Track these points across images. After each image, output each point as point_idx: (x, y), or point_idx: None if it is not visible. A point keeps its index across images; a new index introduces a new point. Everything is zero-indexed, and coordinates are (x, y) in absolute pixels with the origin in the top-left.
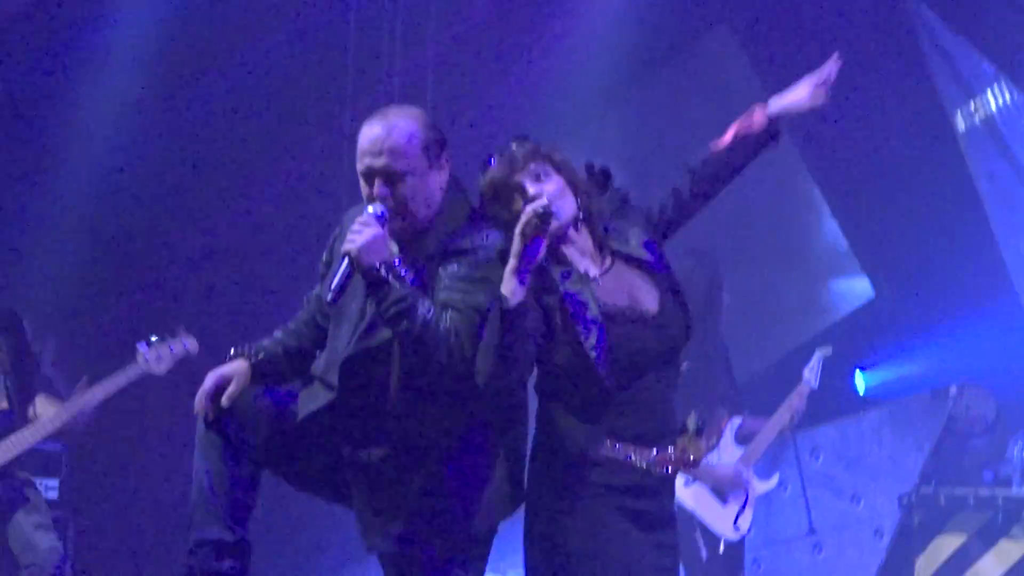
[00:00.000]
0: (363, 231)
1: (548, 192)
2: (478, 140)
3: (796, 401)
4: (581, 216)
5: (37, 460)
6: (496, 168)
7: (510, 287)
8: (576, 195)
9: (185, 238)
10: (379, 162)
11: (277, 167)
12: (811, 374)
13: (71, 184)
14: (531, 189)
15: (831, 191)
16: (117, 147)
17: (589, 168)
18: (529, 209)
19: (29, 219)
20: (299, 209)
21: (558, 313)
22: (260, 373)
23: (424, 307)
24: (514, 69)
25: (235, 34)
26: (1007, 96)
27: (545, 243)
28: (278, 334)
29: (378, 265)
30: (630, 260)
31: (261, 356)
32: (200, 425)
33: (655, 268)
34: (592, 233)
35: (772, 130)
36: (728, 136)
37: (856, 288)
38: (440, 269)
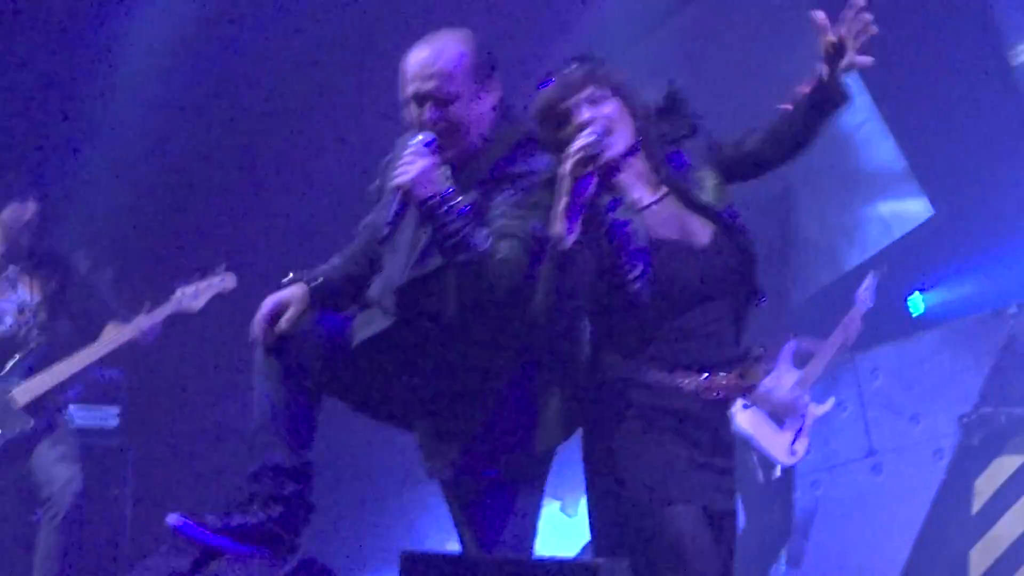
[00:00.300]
0: (414, 162)
1: (603, 116)
2: (524, 65)
3: (851, 323)
4: (637, 143)
5: (98, 388)
6: (550, 90)
7: (560, 228)
8: (634, 120)
9: (236, 168)
10: (428, 86)
11: (325, 100)
12: (866, 295)
13: (123, 120)
14: (585, 114)
15: (890, 111)
16: (168, 82)
17: (670, 86)
18: (575, 147)
19: (85, 157)
20: (348, 139)
21: (604, 242)
22: (317, 298)
23: (479, 237)
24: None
25: None
26: None
27: (594, 180)
28: (335, 260)
29: (431, 196)
30: (687, 194)
31: (319, 281)
32: (259, 351)
33: (719, 212)
34: (649, 160)
35: (823, 89)
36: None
37: (914, 208)
38: (493, 196)
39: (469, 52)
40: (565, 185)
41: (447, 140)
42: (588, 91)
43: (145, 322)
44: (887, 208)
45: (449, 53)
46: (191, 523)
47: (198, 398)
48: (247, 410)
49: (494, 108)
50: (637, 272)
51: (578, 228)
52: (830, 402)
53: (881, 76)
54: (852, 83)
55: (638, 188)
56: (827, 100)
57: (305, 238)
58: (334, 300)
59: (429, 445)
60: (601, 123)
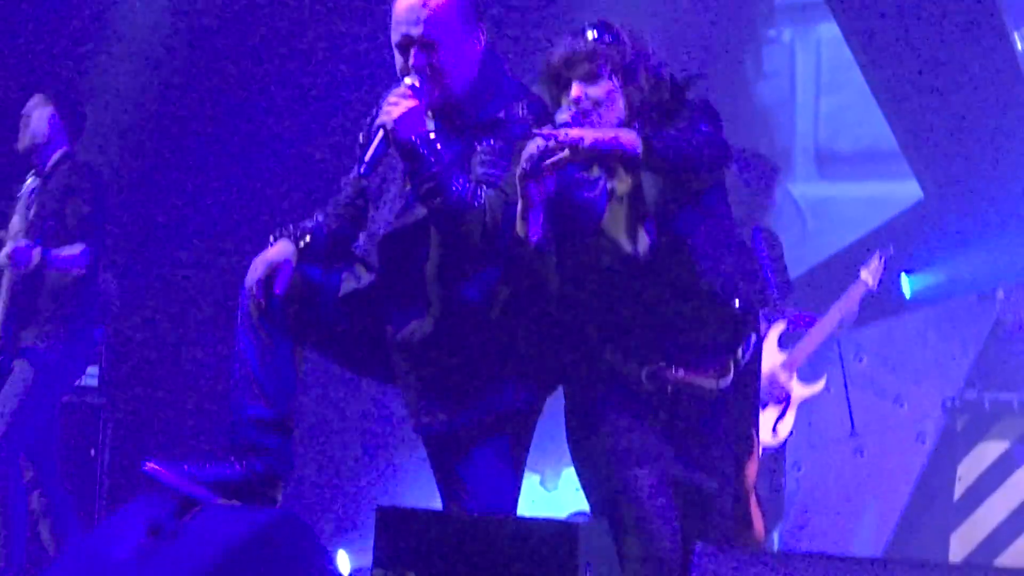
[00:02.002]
0: (399, 103)
1: (590, 97)
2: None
3: (848, 303)
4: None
5: None
6: (556, 53)
7: (521, 230)
8: (628, 104)
9: (212, 132)
10: (416, 30)
11: (303, 61)
12: (869, 275)
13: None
14: (575, 91)
15: (881, 91)
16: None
17: (685, 75)
18: (523, 156)
19: None
20: (335, 96)
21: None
22: (304, 255)
23: (458, 183)
24: None
25: None
26: None
27: (550, 185)
28: (319, 216)
29: (413, 138)
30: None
31: (307, 239)
32: (243, 305)
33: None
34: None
35: None
36: None
37: (904, 190)
38: (476, 143)
39: None
40: (520, 189)
41: (433, 85)
42: (585, 67)
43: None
44: (876, 188)
45: None
46: (167, 471)
47: (179, 356)
48: (230, 367)
49: (481, 54)
50: (580, 260)
51: (541, 229)
52: (821, 382)
53: (875, 58)
54: (845, 59)
55: (621, 172)
56: None
57: (287, 195)
58: (320, 256)
59: (411, 399)
60: (590, 101)
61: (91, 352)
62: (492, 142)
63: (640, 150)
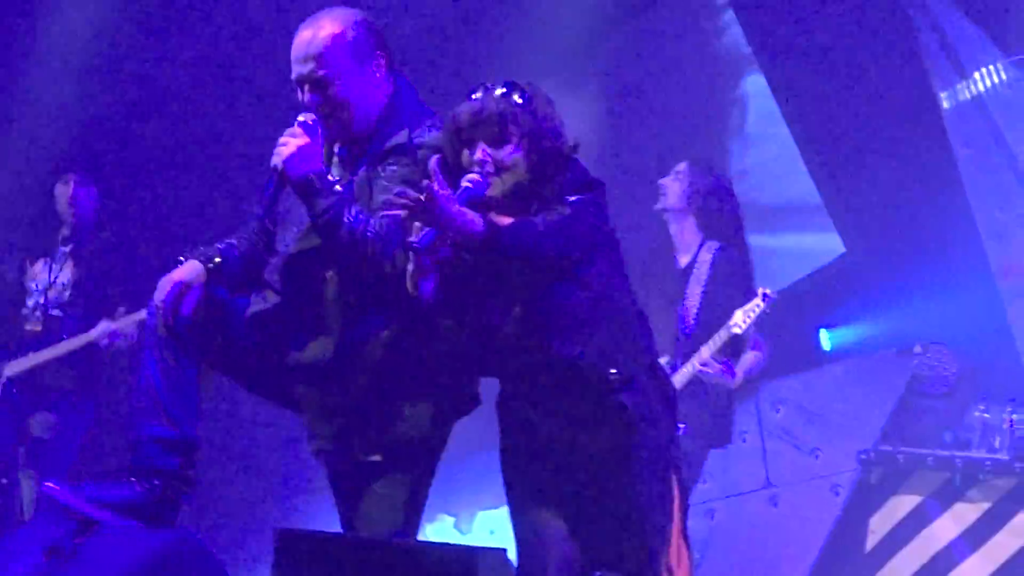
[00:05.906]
0: (288, 143)
1: (492, 160)
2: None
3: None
4: (526, 189)
5: None
6: (463, 111)
7: (413, 290)
8: (530, 171)
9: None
10: (305, 68)
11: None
12: (743, 316)
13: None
14: (478, 153)
15: (807, 146)
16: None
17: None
18: (416, 231)
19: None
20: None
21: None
22: (214, 277)
23: (351, 214)
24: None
25: None
26: (999, 76)
27: (442, 248)
28: (231, 240)
29: (305, 175)
30: None
31: (216, 260)
32: (148, 323)
33: None
34: (535, 206)
35: None
36: None
37: (826, 244)
38: (379, 168)
39: (348, 31)
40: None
41: (331, 121)
42: (493, 129)
43: (108, 327)
44: (798, 241)
45: (323, 34)
46: (67, 491)
47: None
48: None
49: (381, 86)
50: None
51: (434, 290)
52: None
53: (801, 112)
54: (770, 114)
55: None
56: None
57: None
58: (230, 279)
59: (311, 419)
60: (491, 164)
61: None
62: (394, 168)
63: (480, 239)
